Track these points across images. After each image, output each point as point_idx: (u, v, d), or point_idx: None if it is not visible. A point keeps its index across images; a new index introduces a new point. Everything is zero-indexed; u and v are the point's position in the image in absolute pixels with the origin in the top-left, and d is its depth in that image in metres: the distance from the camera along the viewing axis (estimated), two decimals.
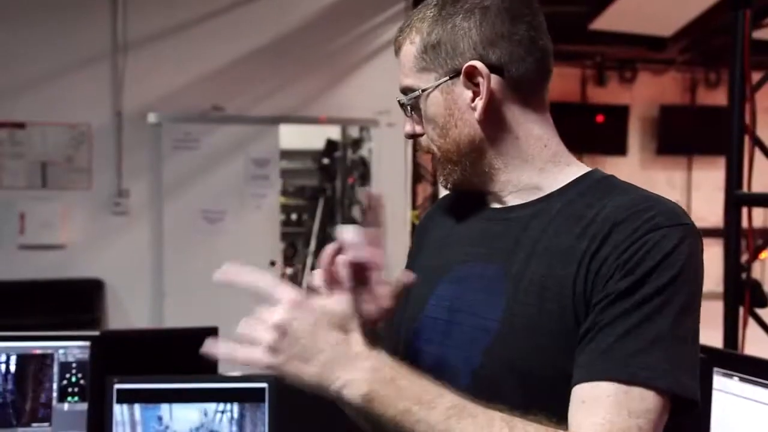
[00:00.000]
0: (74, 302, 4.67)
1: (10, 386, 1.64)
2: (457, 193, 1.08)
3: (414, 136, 1.02)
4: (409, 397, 0.80)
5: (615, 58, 8.17)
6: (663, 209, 0.88)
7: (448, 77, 0.96)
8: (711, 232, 9.80)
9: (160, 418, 1.65)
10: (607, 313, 0.84)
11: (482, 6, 0.94)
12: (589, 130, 8.19)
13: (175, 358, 1.88)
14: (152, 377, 1.67)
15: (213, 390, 1.66)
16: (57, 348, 1.67)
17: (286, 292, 0.83)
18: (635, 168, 8.52)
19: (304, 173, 7.29)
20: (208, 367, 1.92)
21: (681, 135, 8.33)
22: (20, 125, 4.80)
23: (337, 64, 5.16)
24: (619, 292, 0.84)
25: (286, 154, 6.21)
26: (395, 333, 1.04)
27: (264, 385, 1.66)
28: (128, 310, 4.91)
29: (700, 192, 8.68)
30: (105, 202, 4.89)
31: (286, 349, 0.81)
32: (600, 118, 8.30)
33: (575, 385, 0.84)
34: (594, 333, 0.84)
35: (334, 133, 6.42)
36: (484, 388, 0.87)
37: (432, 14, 0.97)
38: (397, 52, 1.01)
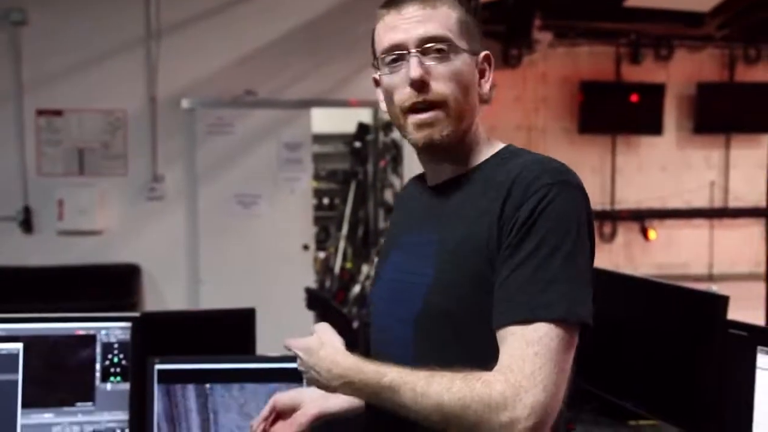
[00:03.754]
0: (111, 287, 4.76)
1: (54, 366, 1.68)
2: (410, 181, 1.33)
3: (423, 82, 1.12)
4: (366, 387, 1.08)
5: (650, 35, 7.99)
6: (549, 168, 1.08)
7: (474, 53, 1.16)
8: (750, 212, 9.61)
9: (199, 398, 1.67)
10: (508, 264, 1.05)
11: (475, 15, 1.18)
12: (623, 109, 8.05)
13: (214, 338, 1.90)
14: (192, 358, 1.69)
15: (252, 370, 1.68)
16: (99, 329, 1.70)
17: (299, 346, 1.19)
18: (671, 147, 8.36)
19: (336, 157, 7.30)
20: (246, 348, 1.94)
21: (719, 113, 8.14)
22: (58, 112, 4.88)
23: (368, 46, 5.12)
24: (515, 245, 1.05)
25: (318, 138, 6.22)
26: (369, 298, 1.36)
27: None
28: (164, 294, 4.99)
29: (738, 171, 8.49)
30: (141, 188, 4.96)
31: (308, 375, 1.18)
32: (634, 98, 8.14)
33: (495, 331, 1.05)
34: (500, 283, 1.05)
35: (365, 116, 6.41)
36: (424, 332, 1.12)
37: (455, 2, 1.16)
38: (426, 5, 1.13)
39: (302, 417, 1.34)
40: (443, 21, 1.13)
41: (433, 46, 1.12)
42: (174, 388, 1.67)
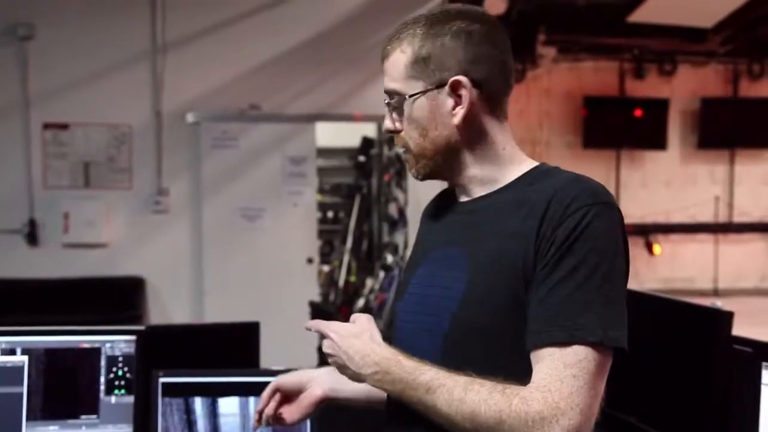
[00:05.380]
0: (116, 299, 4.76)
1: (58, 379, 1.68)
2: (439, 196, 1.32)
3: (393, 132, 1.20)
4: (400, 381, 1.08)
5: (654, 50, 8.03)
6: (586, 188, 1.08)
7: (434, 87, 1.15)
8: (755, 227, 9.56)
9: (204, 412, 1.67)
10: (546, 283, 1.04)
11: (467, 30, 1.14)
12: (627, 124, 8.07)
13: (219, 352, 1.90)
14: (197, 371, 1.69)
15: (256, 384, 1.68)
16: (104, 342, 1.70)
17: (334, 329, 1.17)
18: (675, 162, 8.37)
19: (340, 171, 7.32)
20: (251, 361, 1.94)
21: (723, 128, 8.16)
22: (64, 126, 4.91)
23: (372, 61, 5.13)
24: (554, 264, 1.04)
25: (322, 152, 6.25)
26: (393, 311, 1.33)
27: None
28: (169, 307, 4.99)
29: (743, 186, 8.49)
30: (145, 201, 4.98)
31: (337, 359, 1.16)
32: (638, 113, 8.16)
33: (530, 351, 1.04)
34: (537, 302, 1.04)
35: (369, 130, 6.44)
36: (454, 346, 1.11)
37: (422, 31, 1.15)
38: (385, 59, 1.18)
39: (307, 399, 1.32)
40: (393, 72, 1.17)
41: (390, 100, 1.19)
42: (178, 401, 1.67)
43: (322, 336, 1.19)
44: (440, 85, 1.14)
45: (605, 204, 1.06)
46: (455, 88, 1.14)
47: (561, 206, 1.06)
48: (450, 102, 1.14)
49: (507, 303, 1.07)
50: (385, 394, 1.25)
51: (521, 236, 1.08)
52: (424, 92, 1.15)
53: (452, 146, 1.16)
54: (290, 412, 1.33)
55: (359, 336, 1.14)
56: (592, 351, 1.01)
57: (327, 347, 1.17)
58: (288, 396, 1.34)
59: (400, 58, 1.16)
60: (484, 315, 1.09)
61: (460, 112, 1.14)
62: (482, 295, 1.09)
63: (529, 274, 1.06)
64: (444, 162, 1.18)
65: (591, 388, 1.00)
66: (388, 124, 1.20)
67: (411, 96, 1.15)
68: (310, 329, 1.21)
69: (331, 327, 1.17)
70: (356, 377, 1.14)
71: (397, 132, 1.19)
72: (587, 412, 0.99)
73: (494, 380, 1.03)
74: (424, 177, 1.22)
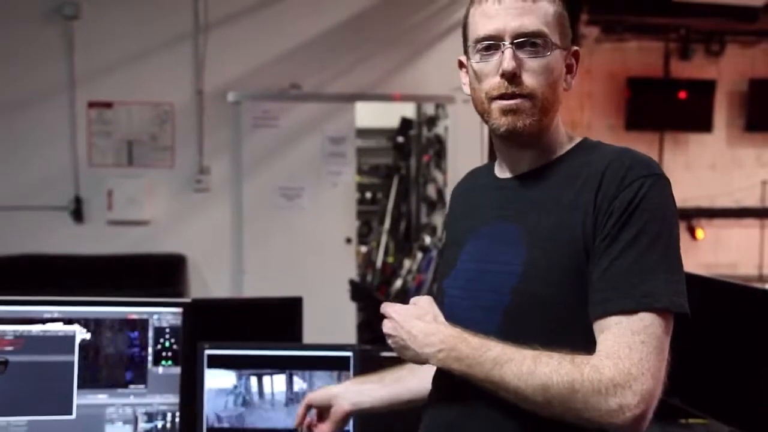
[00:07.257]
0: (158, 276, 4.84)
1: (107, 350, 1.71)
2: (471, 174, 1.35)
3: (515, 74, 1.13)
4: (466, 357, 1.07)
5: (701, 30, 7.82)
6: (639, 159, 1.10)
7: (565, 48, 1.18)
8: None
9: (248, 384, 1.69)
10: (608, 254, 1.05)
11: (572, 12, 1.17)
12: (672, 106, 7.90)
13: (262, 326, 1.93)
14: (241, 344, 1.71)
15: (300, 358, 1.69)
16: (152, 314, 1.73)
17: (397, 309, 1.18)
18: (721, 145, 8.17)
19: (379, 152, 7.30)
20: (293, 336, 1.96)
21: None
22: (108, 105, 4.98)
23: (413, 40, 5.12)
24: (614, 235, 1.05)
25: (361, 133, 6.23)
26: (437, 289, 1.31)
27: (349, 353, 1.68)
28: (209, 285, 5.06)
29: None
30: (187, 180, 5.04)
31: (398, 340, 1.17)
32: (683, 95, 7.97)
33: (594, 321, 1.05)
34: (600, 273, 1.05)
35: (408, 110, 6.40)
36: (514, 321, 1.11)
37: None
38: None
39: (336, 414, 1.37)
40: (541, 15, 1.14)
41: (528, 40, 1.13)
42: (223, 373, 1.69)
43: (376, 317, 1.20)
44: (566, 49, 1.18)
45: (659, 176, 1.09)
46: (576, 57, 1.21)
47: (616, 178, 1.08)
48: (564, 69, 1.18)
49: (569, 275, 1.08)
50: (405, 399, 1.36)
51: (578, 209, 1.09)
52: (563, 48, 1.17)
53: (557, 108, 1.18)
54: (322, 429, 1.40)
55: (422, 317, 1.15)
56: (658, 317, 1.03)
57: (388, 328, 1.17)
58: (320, 411, 1.40)
59: (548, 7, 1.15)
60: (546, 288, 1.09)
61: (572, 81, 1.20)
62: (543, 267, 1.10)
63: (589, 245, 1.08)
64: (547, 121, 1.17)
65: (659, 353, 1.02)
66: (513, 63, 1.12)
67: (553, 44, 1.14)
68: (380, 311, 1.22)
69: (394, 308, 1.18)
70: (417, 358, 1.14)
71: (517, 75, 1.13)
72: (658, 375, 1.01)
73: (559, 352, 1.04)
74: (527, 132, 1.15)
